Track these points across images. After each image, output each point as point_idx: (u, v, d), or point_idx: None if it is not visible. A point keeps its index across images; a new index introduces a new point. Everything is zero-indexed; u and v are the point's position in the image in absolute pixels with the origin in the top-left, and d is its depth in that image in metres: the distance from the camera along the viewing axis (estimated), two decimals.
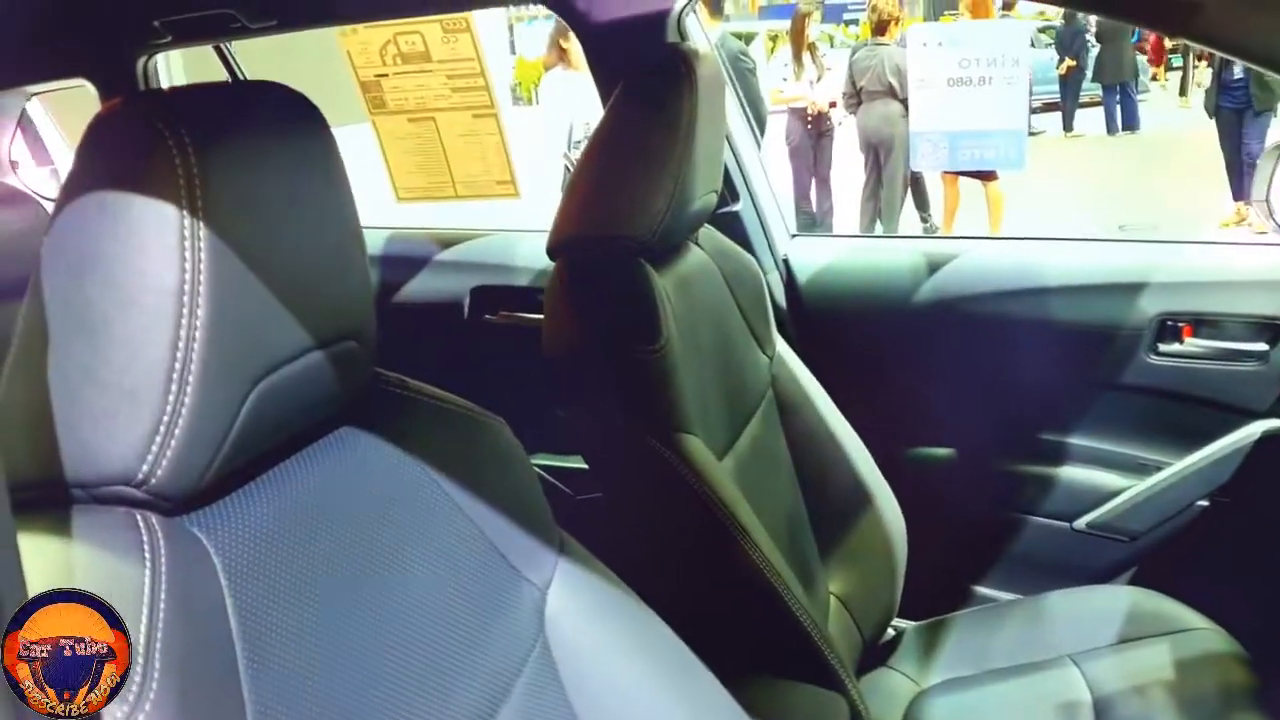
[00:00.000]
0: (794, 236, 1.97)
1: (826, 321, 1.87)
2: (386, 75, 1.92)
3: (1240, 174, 6.06)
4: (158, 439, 0.61)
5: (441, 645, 0.77)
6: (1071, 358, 1.75)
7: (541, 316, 1.97)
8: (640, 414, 1.25)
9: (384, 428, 0.81)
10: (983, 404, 1.82)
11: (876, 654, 1.54)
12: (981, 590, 1.85)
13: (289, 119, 0.72)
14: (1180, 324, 1.67)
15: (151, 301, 0.60)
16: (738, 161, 1.84)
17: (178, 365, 0.61)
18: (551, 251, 1.34)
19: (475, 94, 1.88)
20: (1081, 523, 1.78)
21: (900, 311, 1.84)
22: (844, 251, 1.98)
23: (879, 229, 6.00)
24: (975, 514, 1.86)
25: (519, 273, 2.05)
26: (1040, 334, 1.76)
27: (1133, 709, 1.32)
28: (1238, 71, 5.93)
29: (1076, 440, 1.80)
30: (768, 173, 1.93)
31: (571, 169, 3.97)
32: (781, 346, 1.61)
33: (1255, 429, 1.64)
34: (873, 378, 1.77)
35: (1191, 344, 1.67)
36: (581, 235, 1.32)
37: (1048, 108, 11.00)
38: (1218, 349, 1.65)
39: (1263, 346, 1.62)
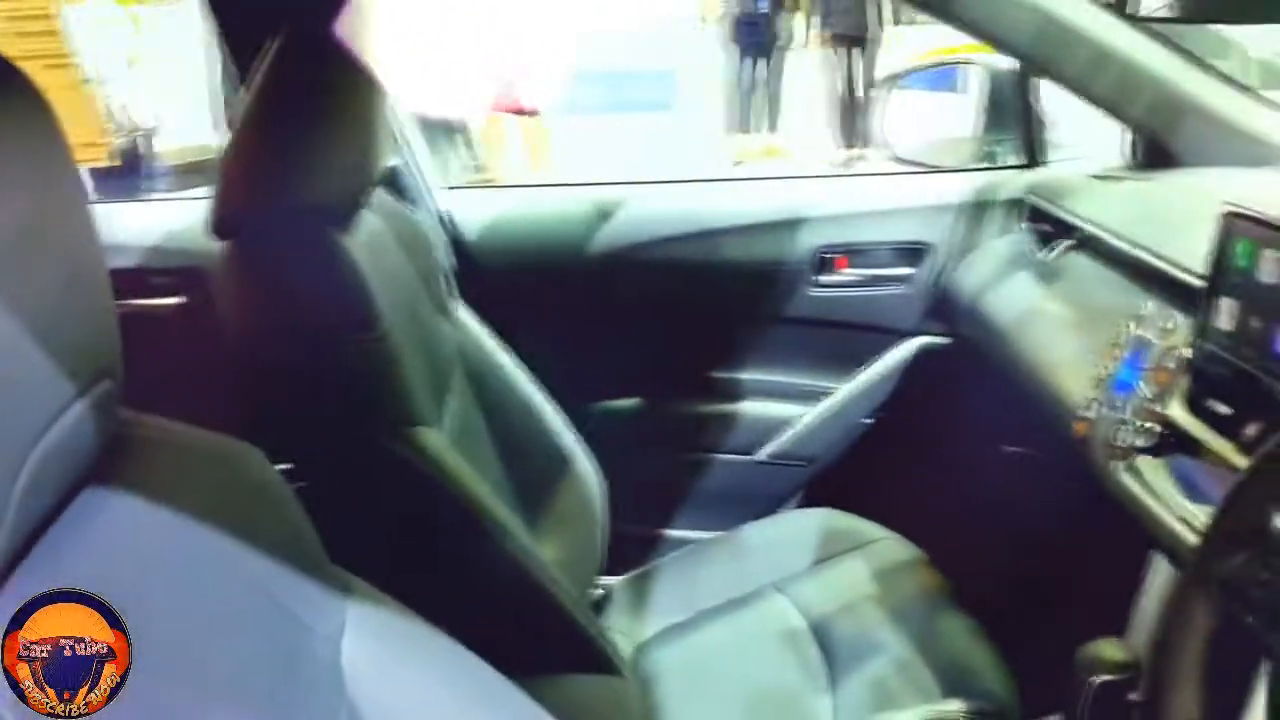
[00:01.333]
0: (451, 189, 1.82)
1: (498, 278, 1.75)
2: None
3: (747, 109, 6.68)
4: None
5: None
6: (740, 296, 1.80)
7: (157, 302, 1.66)
8: (363, 410, 1.12)
9: (135, 481, 0.65)
10: (661, 350, 1.83)
11: None
12: (680, 534, 1.87)
13: None
14: (836, 255, 1.77)
15: None
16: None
17: None
18: (222, 229, 1.09)
19: (45, 40, 1.49)
20: (763, 454, 1.86)
21: (573, 263, 1.78)
22: (509, 203, 1.87)
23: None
24: (665, 460, 1.87)
25: (118, 252, 1.69)
26: (710, 275, 1.78)
27: (848, 627, 1.38)
28: (759, 6, 6.42)
29: (751, 375, 1.86)
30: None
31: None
32: (461, 311, 1.50)
33: (907, 347, 1.80)
34: (552, 335, 1.69)
35: (847, 273, 1.77)
36: (260, 207, 1.09)
37: None
38: (869, 276, 1.78)
39: (908, 270, 1.76)
